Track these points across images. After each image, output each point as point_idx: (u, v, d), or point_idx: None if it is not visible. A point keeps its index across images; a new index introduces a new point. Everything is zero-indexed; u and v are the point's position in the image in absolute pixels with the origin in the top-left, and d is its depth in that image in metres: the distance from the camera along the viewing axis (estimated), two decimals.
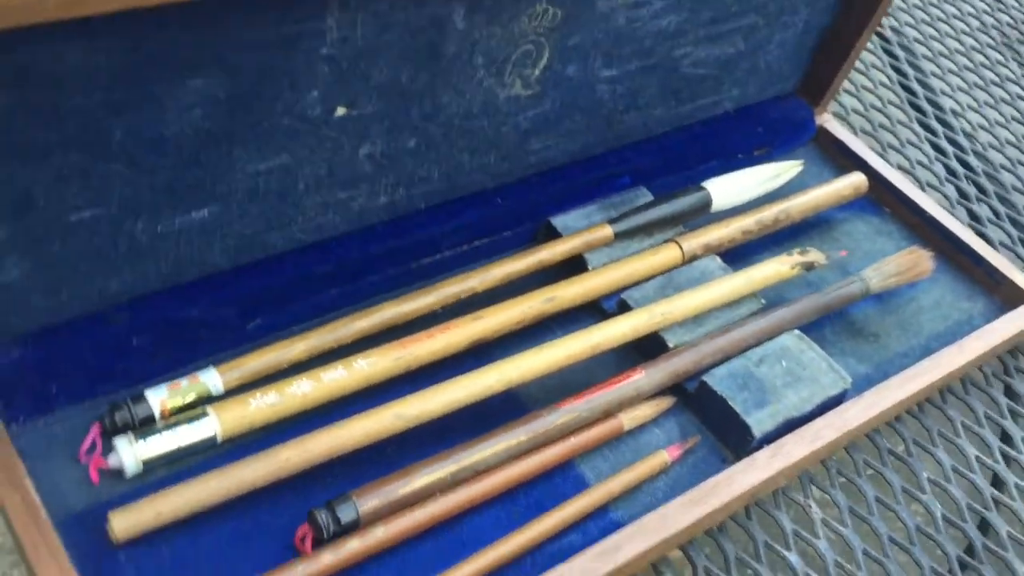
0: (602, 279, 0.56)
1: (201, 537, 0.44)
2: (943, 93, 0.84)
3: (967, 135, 0.80)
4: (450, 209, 0.56)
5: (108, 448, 0.45)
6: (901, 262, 0.60)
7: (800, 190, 0.64)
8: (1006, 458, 0.58)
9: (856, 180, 0.66)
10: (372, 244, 0.54)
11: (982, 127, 0.81)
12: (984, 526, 0.55)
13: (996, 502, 0.56)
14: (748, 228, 0.61)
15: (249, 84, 0.42)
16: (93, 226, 0.43)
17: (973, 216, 0.73)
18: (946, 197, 0.74)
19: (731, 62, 0.64)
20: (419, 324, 0.52)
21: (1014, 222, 0.73)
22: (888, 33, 0.89)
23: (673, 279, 0.57)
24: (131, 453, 0.44)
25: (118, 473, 0.45)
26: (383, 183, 0.53)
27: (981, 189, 0.76)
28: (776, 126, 0.70)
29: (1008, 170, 0.78)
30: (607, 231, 0.57)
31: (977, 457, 0.58)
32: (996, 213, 0.74)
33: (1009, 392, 0.62)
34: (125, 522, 0.42)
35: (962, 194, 0.75)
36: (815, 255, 0.59)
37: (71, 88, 0.37)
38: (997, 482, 0.57)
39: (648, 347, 0.54)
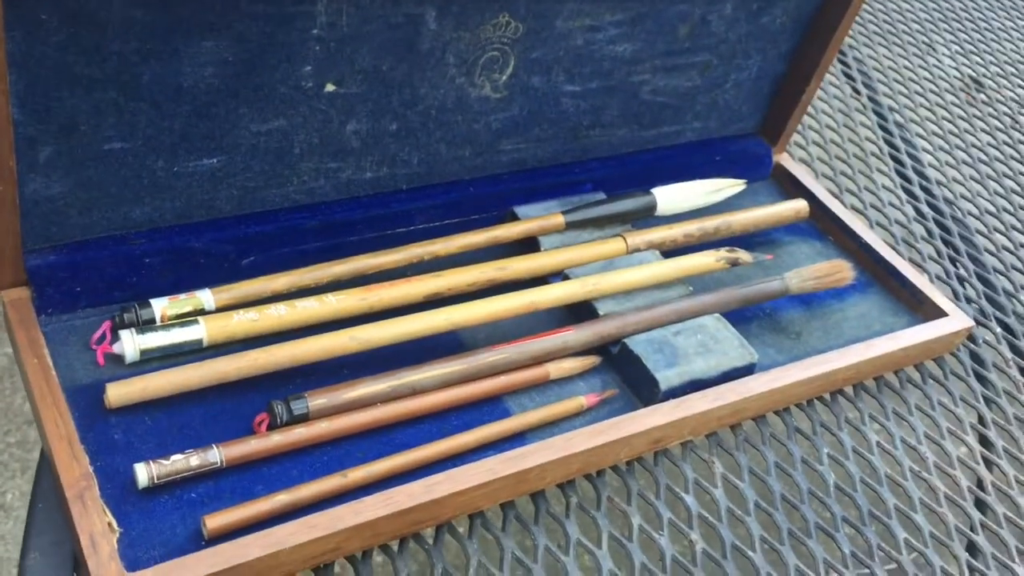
0: (550, 259, 0.65)
1: (178, 414, 0.53)
2: (930, 166, 0.92)
3: (948, 202, 0.88)
4: (427, 191, 0.67)
5: (115, 340, 0.55)
6: (821, 268, 0.68)
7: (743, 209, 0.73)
8: (905, 446, 0.65)
9: (798, 205, 0.75)
10: (356, 210, 0.64)
11: (963, 197, 0.89)
12: (876, 500, 0.62)
13: (889, 479, 0.63)
14: (690, 232, 0.70)
15: (252, 51, 0.54)
16: (122, 157, 0.54)
17: (946, 273, 0.80)
18: (919, 251, 0.81)
19: (689, 95, 0.74)
20: (386, 276, 0.61)
21: (974, 259, 0.81)
22: (865, 99, 0.98)
23: (613, 264, 0.66)
24: (132, 343, 0.54)
25: (120, 359, 0.55)
26: (368, 160, 0.63)
27: (956, 249, 0.82)
28: (734, 158, 0.79)
29: (983, 235, 0.86)
30: (559, 219, 0.67)
31: (878, 443, 0.65)
32: (966, 271, 0.80)
33: (920, 395, 0.69)
34: (118, 391, 0.52)
35: (938, 252, 0.82)
36: (742, 254, 0.67)
37: (112, 33, 0.49)
38: (894, 466, 0.64)
39: (581, 314, 0.63)
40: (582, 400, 0.59)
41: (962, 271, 0.80)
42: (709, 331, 0.63)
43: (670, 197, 0.70)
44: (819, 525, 0.59)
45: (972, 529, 0.62)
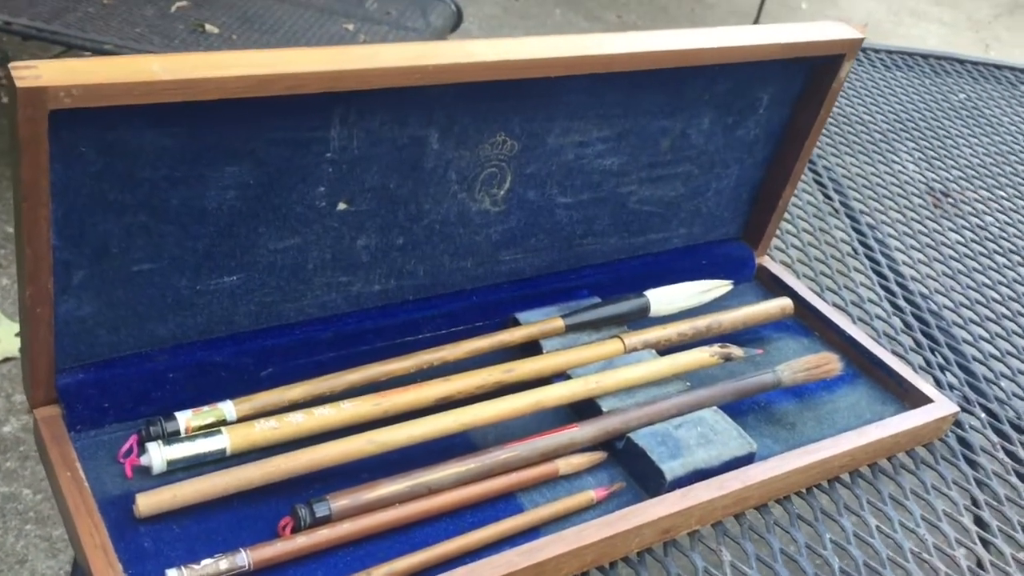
0: (553, 360, 0.68)
1: (205, 520, 0.55)
2: (904, 264, 0.97)
3: (924, 296, 0.93)
4: (432, 302, 0.70)
5: (142, 452, 0.57)
6: (811, 361, 0.72)
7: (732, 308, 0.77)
8: (905, 530, 0.67)
9: (783, 302, 0.79)
10: (366, 321, 0.67)
11: (939, 292, 0.94)
12: None
13: (892, 562, 0.65)
14: (683, 331, 0.73)
15: (271, 174, 0.58)
16: (149, 277, 0.58)
17: (927, 363, 0.83)
18: (899, 343, 0.85)
19: (674, 203, 0.79)
20: (397, 383, 0.64)
21: (953, 349, 0.85)
22: (852, 203, 1.04)
23: (612, 363, 0.69)
24: (159, 454, 0.56)
25: (147, 471, 0.57)
26: (377, 273, 0.67)
27: (934, 340, 0.86)
28: (719, 261, 0.83)
29: (960, 326, 0.90)
30: (559, 323, 0.70)
31: (878, 527, 0.67)
32: (946, 360, 0.84)
33: (913, 480, 0.71)
34: (148, 501, 0.54)
35: (917, 343, 0.85)
36: (734, 349, 0.71)
37: (143, 161, 0.53)
38: (896, 550, 0.66)
39: (584, 411, 0.66)
40: (592, 494, 0.61)
41: (942, 360, 0.84)
42: (708, 423, 0.66)
43: (662, 298, 0.74)
44: None
45: None
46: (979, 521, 0.70)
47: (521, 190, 0.69)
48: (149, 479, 0.57)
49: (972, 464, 0.74)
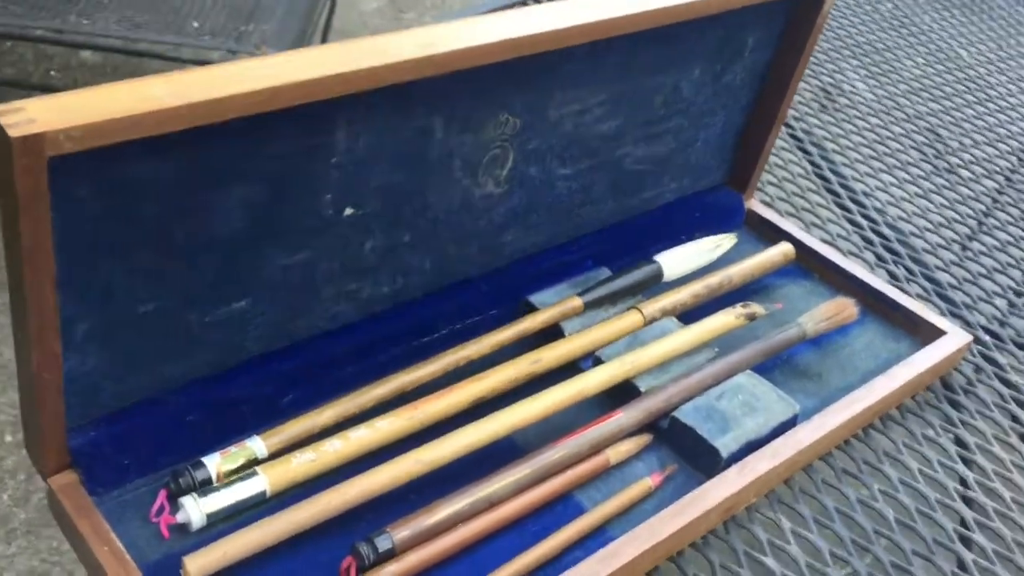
0: (578, 342, 0.65)
1: (260, 573, 0.51)
2: (853, 179, 0.96)
3: (877, 211, 0.92)
4: (442, 295, 0.66)
5: (175, 508, 0.52)
6: (830, 308, 0.71)
7: (738, 261, 0.75)
8: (944, 468, 0.67)
9: (784, 248, 0.77)
10: (379, 328, 0.63)
11: (890, 203, 0.94)
12: (933, 525, 0.63)
13: (940, 504, 0.64)
14: (698, 292, 0.71)
15: (278, 190, 0.52)
16: (156, 317, 0.52)
17: (892, 276, 0.84)
18: (865, 262, 0.85)
19: (666, 159, 0.76)
20: (426, 389, 0.60)
21: (927, 278, 0.84)
22: (800, 134, 1.02)
23: (638, 337, 0.66)
24: (197, 509, 0.52)
25: (184, 528, 0.52)
26: (385, 274, 0.62)
27: (895, 253, 0.87)
28: (711, 211, 0.81)
29: (916, 235, 0.90)
30: (577, 302, 0.67)
31: (920, 469, 0.67)
32: (910, 271, 0.85)
33: (940, 415, 0.71)
34: (197, 564, 0.49)
35: (879, 258, 0.86)
36: (756, 308, 0.69)
37: (145, 196, 0.47)
38: (940, 489, 0.66)
39: (623, 394, 0.63)
40: (648, 481, 0.59)
41: (924, 286, 0.83)
42: (748, 390, 0.64)
43: (673, 261, 0.71)
44: (894, 563, 0.60)
45: None
46: None
47: (523, 167, 0.65)
48: (188, 536, 0.52)
49: (997, 390, 0.74)
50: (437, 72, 0.52)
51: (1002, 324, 0.81)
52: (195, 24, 1.62)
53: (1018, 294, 0.85)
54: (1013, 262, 0.89)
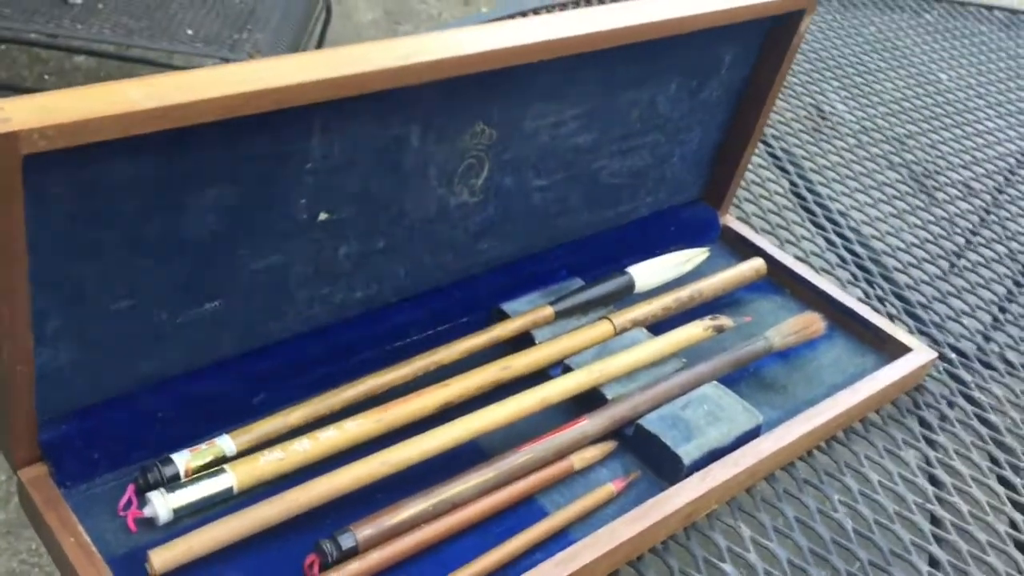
0: (547, 351, 0.66)
1: (224, 568, 0.52)
2: (830, 198, 0.98)
3: (852, 230, 0.94)
4: (415, 301, 0.67)
5: (142, 503, 0.53)
6: (797, 323, 0.72)
7: (709, 275, 0.76)
8: (905, 481, 0.68)
9: (756, 264, 0.78)
10: (352, 332, 0.64)
11: (864, 223, 0.95)
12: (891, 536, 0.65)
13: (899, 516, 0.66)
14: (668, 305, 0.72)
15: (252, 193, 0.54)
16: (127, 315, 0.53)
17: (865, 294, 0.85)
18: (839, 279, 0.86)
19: (642, 173, 0.77)
20: (396, 392, 0.61)
21: (899, 296, 0.86)
22: (779, 152, 1.04)
23: (607, 347, 0.68)
24: (164, 503, 0.53)
25: (151, 522, 0.53)
26: (359, 280, 0.63)
27: (867, 271, 0.88)
28: (687, 225, 0.82)
29: (889, 255, 0.91)
30: (548, 311, 0.68)
31: (880, 481, 0.68)
32: (882, 290, 0.86)
33: (903, 429, 0.72)
34: (162, 557, 0.50)
35: (853, 276, 0.87)
36: (724, 320, 0.70)
37: (119, 196, 0.48)
38: (900, 502, 0.67)
39: (590, 402, 0.64)
40: (611, 487, 0.60)
41: (895, 305, 0.85)
42: (713, 400, 0.65)
43: (645, 274, 0.72)
44: (850, 573, 0.61)
45: (1016, 528, 0.65)
46: (995, 455, 0.72)
47: (498, 178, 0.66)
48: (155, 531, 0.53)
49: (970, 400, 0.75)
50: (414, 82, 0.54)
51: (970, 342, 0.82)
52: (189, 31, 1.64)
53: (988, 314, 0.86)
54: (982, 282, 0.90)
